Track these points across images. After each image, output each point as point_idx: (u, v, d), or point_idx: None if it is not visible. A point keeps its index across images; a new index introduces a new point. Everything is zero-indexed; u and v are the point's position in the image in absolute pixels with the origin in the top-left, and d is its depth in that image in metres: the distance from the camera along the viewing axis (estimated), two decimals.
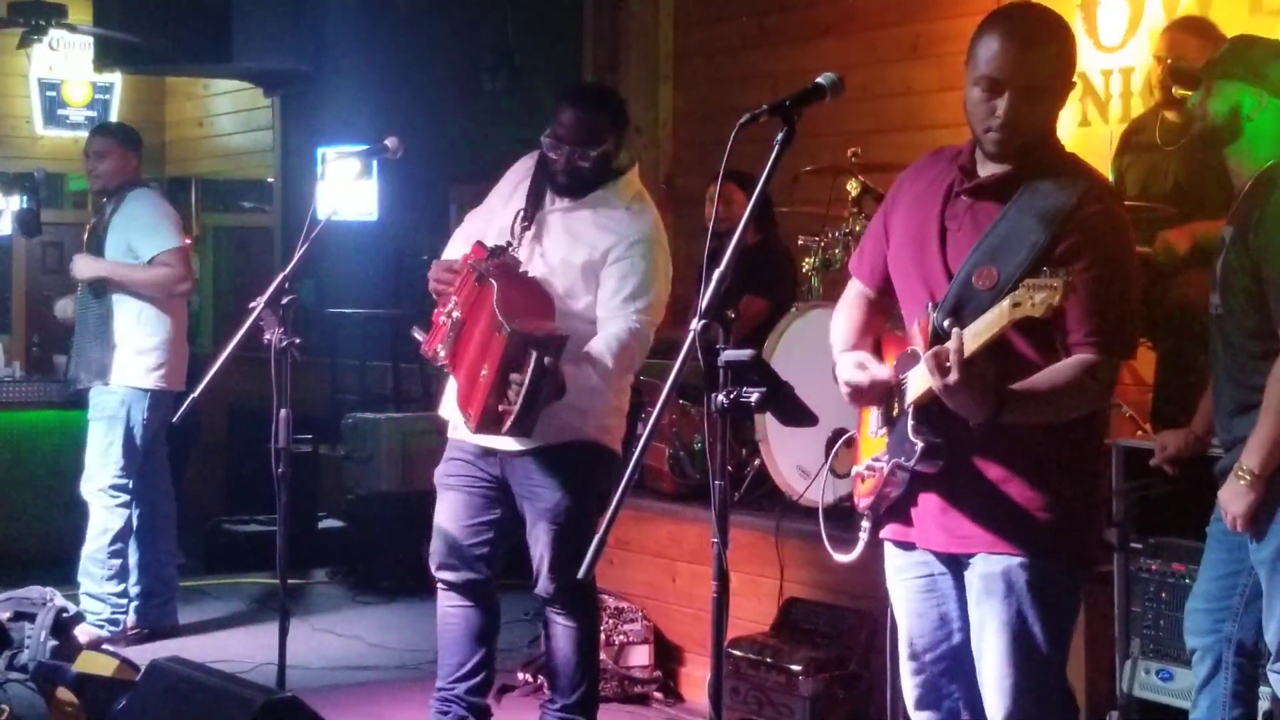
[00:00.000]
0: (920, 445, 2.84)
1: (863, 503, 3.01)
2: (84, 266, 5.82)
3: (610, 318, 3.98)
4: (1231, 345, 3.43)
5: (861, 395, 2.99)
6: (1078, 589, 2.99)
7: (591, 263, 4.00)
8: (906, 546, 3.02)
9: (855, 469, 3.05)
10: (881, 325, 3.16)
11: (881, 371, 2.96)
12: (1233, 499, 3.36)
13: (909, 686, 3.07)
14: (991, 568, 2.87)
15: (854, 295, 3.18)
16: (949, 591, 2.99)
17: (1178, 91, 4.35)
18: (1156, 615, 4.06)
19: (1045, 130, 2.90)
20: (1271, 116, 3.41)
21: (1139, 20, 5.53)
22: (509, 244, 4.01)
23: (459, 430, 4.11)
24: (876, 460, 2.95)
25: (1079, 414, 2.86)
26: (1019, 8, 2.97)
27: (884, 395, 2.96)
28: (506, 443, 3.98)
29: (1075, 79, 2.96)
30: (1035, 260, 2.75)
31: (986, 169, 2.90)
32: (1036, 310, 2.57)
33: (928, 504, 2.93)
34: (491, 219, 4.19)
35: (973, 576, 2.91)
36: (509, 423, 3.75)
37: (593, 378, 3.90)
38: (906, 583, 3.05)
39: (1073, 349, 2.81)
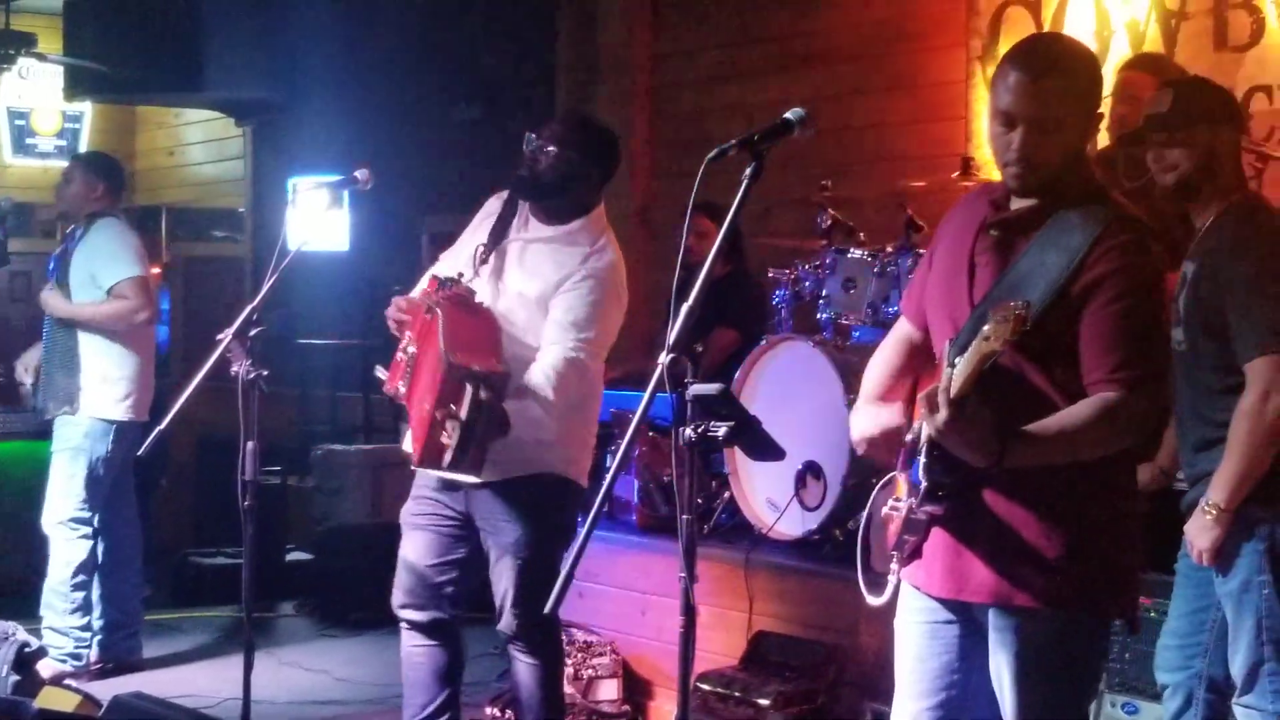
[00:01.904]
0: (924, 485, 2.72)
1: (890, 543, 2.90)
2: (53, 304, 5.79)
3: (549, 344, 3.89)
4: (1195, 381, 3.44)
5: (876, 447, 2.89)
6: (1100, 639, 2.84)
7: (544, 295, 3.93)
8: (918, 589, 2.91)
9: (885, 508, 2.92)
10: (921, 367, 2.97)
11: (891, 419, 2.84)
12: (1199, 533, 3.37)
13: None
14: (1005, 620, 2.75)
15: (897, 336, 3.05)
16: (953, 641, 2.87)
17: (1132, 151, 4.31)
18: (1122, 648, 4.05)
19: (1069, 163, 2.77)
20: (1227, 152, 3.46)
21: (1106, 54, 5.57)
22: (460, 275, 3.96)
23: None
24: (898, 501, 2.85)
25: (1099, 456, 2.70)
26: (1035, 40, 2.89)
27: (903, 445, 2.85)
28: (469, 476, 3.94)
29: (1100, 110, 2.83)
30: (1056, 295, 2.66)
31: (1016, 203, 2.82)
32: (996, 343, 2.49)
33: (941, 548, 2.81)
34: (457, 257, 4.17)
35: (987, 624, 2.79)
36: (448, 457, 3.64)
37: (535, 411, 3.80)
38: (914, 625, 2.93)
39: (1091, 389, 2.67)
